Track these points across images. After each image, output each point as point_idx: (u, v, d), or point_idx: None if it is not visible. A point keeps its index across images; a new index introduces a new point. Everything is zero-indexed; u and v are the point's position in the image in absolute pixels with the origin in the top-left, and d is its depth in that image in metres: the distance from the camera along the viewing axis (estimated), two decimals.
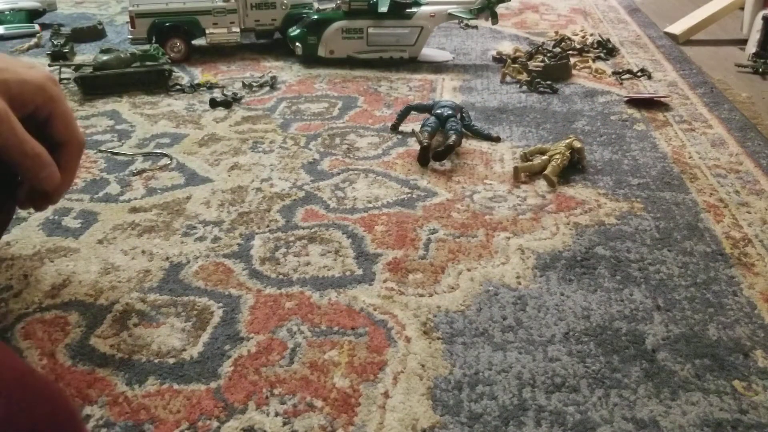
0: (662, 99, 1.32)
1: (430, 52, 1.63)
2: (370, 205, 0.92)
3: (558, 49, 1.60)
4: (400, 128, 1.20)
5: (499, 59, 1.59)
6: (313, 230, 0.86)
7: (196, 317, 0.69)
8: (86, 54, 1.63)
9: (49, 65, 1.49)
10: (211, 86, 1.42)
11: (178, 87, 1.42)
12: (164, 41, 1.57)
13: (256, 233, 0.86)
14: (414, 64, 1.58)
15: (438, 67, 1.56)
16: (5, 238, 0.88)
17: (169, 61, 1.47)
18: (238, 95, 1.36)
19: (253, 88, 1.41)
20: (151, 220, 0.89)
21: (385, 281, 0.75)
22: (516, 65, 1.48)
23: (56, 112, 0.56)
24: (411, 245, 0.82)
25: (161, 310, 0.71)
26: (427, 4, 1.57)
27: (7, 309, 0.70)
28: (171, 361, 0.63)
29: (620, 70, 1.49)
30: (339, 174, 1.03)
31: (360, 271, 0.77)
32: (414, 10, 1.54)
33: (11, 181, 0.59)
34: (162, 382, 0.60)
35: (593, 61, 1.58)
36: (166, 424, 0.56)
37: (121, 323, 0.69)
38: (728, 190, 0.96)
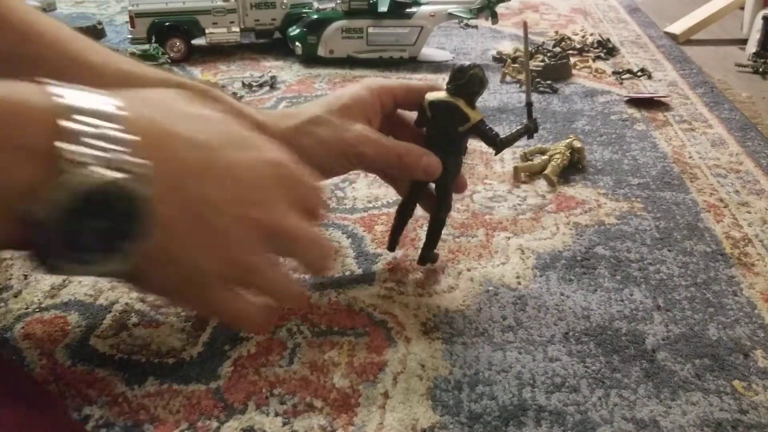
0: (662, 99, 1.32)
1: (429, 51, 1.63)
2: (370, 205, 0.92)
3: (558, 49, 1.60)
4: None
5: (499, 59, 1.58)
6: None
7: (195, 317, 0.69)
8: None
9: None
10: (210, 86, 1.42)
11: None
12: (164, 41, 1.57)
13: None
14: (414, 63, 1.58)
15: (438, 67, 1.56)
16: None
17: (169, 60, 1.47)
18: (238, 95, 1.36)
19: (253, 88, 1.41)
20: None
21: (384, 281, 0.75)
22: (516, 65, 1.48)
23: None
24: (411, 245, 0.82)
25: (161, 310, 0.71)
26: (427, 3, 1.56)
27: (7, 309, 0.70)
28: (171, 361, 0.63)
29: (620, 70, 1.49)
30: None
31: (360, 271, 0.77)
32: (414, 9, 1.53)
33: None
34: (162, 382, 0.60)
35: (593, 60, 1.58)
36: (165, 424, 0.56)
37: (120, 323, 0.69)
38: (728, 190, 0.96)
